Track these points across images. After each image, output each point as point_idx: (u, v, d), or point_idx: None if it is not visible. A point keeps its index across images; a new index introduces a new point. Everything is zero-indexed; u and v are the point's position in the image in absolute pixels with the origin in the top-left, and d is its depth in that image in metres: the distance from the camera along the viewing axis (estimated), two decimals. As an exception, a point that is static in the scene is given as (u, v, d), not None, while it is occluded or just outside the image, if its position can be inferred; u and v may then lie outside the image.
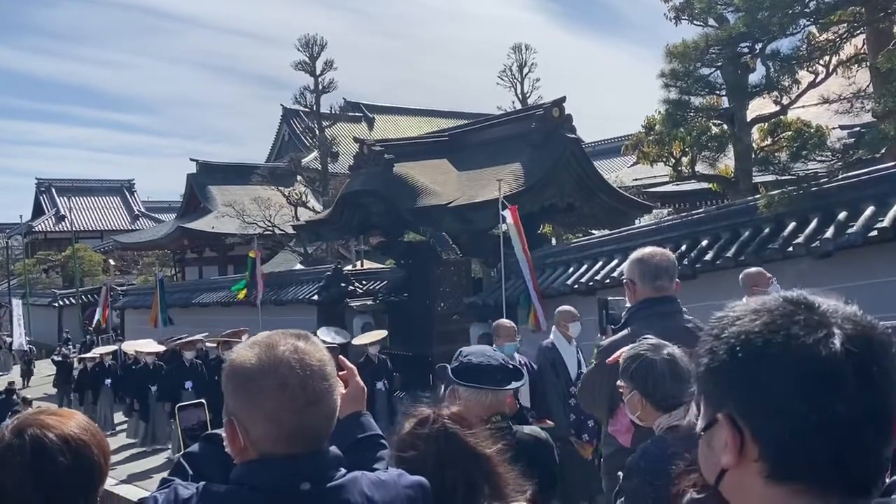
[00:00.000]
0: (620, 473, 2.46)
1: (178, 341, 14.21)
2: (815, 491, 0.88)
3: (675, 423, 2.37)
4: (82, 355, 18.82)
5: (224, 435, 1.48)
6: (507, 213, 10.32)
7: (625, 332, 3.21)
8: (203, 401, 2.01)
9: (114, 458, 12.44)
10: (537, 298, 10.40)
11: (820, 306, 0.94)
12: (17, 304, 28.93)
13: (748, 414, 0.91)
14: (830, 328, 0.90)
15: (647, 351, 2.49)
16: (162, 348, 14.44)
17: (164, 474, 1.64)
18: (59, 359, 20.51)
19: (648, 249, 3.36)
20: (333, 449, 1.46)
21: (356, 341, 12.22)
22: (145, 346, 14.81)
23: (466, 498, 1.76)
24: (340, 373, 1.70)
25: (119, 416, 15.82)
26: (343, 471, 1.45)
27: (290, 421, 1.38)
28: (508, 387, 2.79)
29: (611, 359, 2.73)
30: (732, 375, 0.93)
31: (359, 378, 1.84)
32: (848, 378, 0.87)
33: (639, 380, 2.47)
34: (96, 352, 17.59)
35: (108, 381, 15.84)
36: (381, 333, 12.17)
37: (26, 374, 24.50)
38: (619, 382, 2.58)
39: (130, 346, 15.80)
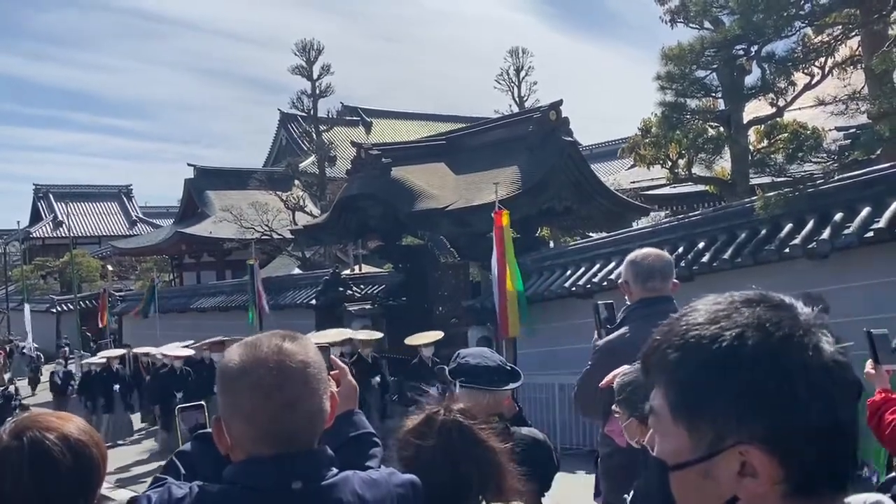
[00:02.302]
0: (627, 497, 2.48)
1: (204, 343, 13.79)
2: (827, 495, 0.88)
3: None
4: (86, 360, 18.36)
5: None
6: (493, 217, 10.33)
7: (621, 331, 3.22)
8: (203, 403, 2.02)
9: (138, 471, 11.81)
10: (500, 308, 10.34)
11: (792, 307, 0.92)
12: (27, 310, 28.81)
13: (781, 437, 0.85)
14: (817, 332, 0.89)
15: (641, 375, 2.46)
16: (191, 352, 13.88)
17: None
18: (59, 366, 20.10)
19: (642, 251, 3.38)
20: (325, 448, 1.47)
21: (409, 341, 11.51)
22: (173, 349, 14.18)
23: (477, 492, 1.76)
24: (332, 372, 1.71)
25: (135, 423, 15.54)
26: (335, 470, 1.46)
27: (265, 422, 1.38)
28: (506, 388, 2.80)
29: (603, 383, 2.73)
30: (756, 399, 0.86)
31: (350, 377, 1.85)
32: (849, 380, 0.88)
33: (634, 406, 2.46)
34: (102, 355, 16.84)
35: (116, 387, 15.18)
36: (436, 334, 11.34)
37: (33, 381, 23.89)
38: (613, 408, 2.56)
39: (158, 350, 14.93)
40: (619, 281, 3.37)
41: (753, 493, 0.87)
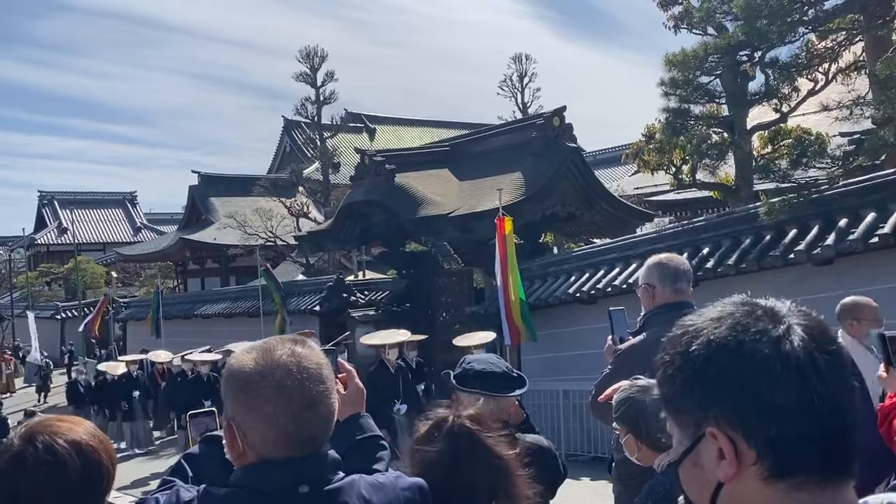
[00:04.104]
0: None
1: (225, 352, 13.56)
2: (812, 479, 0.90)
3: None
4: (99, 365, 18.08)
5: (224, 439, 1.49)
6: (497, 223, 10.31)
7: (641, 336, 3.21)
8: (214, 409, 2.02)
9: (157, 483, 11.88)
10: (506, 316, 10.29)
11: (768, 304, 0.96)
12: (31, 317, 28.79)
13: (738, 418, 0.90)
14: (788, 321, 0.93)
15: (637, 393, 2.47)
16: (217, 357, 13.41)
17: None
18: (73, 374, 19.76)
19: (665, 255, 3.39)
20: (332, 452, 1.48)
21: (458, 342, 10.45)
22: (202, 355, 13.77)
23: (486, 498, 1.76)
24: (339, 375, 1.72)
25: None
26: (341, 474, 1.47)
27: (288, 424, 1.39)
28: (511, 394, 2.80)
29: (601, 397, 2.73)
30: (713, 384, 0.92)
31: (357, 380, 1.86)
32: (820, 364, 0.90)
33: (631, 423, 2.47)
34: (121, 360, 16.45)
35: (136, 394, 14.70)
36: (488, 335, 10.28)
37: (42, 389, 23.37)
38: (613, 426, 2.58)
39: (188, 357, 14.23)
40: (641, 284, 3.33)
41: (728, 475, 0.91)
